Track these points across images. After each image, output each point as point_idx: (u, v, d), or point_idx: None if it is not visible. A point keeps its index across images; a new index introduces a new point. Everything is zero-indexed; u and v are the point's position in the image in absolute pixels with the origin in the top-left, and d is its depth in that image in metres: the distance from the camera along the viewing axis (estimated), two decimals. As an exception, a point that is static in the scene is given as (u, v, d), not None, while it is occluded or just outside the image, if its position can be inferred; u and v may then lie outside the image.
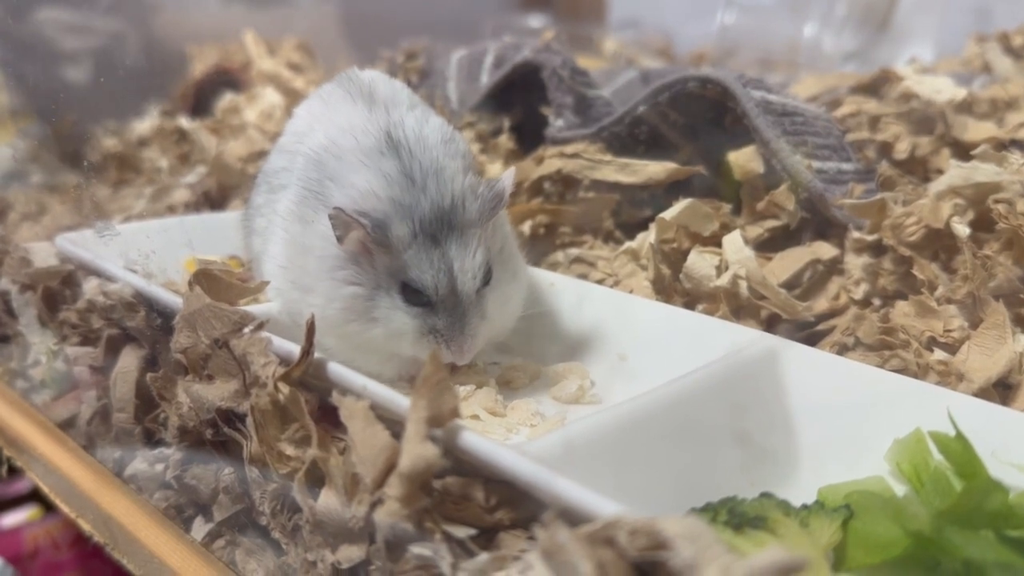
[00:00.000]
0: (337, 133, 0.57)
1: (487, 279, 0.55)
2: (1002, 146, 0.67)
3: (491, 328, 0.56)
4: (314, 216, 0.55)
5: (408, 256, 0.52)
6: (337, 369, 0.44)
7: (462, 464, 0.38)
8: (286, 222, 0.57)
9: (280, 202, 0.59)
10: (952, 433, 0.41)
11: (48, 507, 0.99)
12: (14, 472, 0.71)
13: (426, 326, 0.53)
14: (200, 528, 0.52)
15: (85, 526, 0.59)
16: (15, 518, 1.00)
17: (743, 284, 0.60)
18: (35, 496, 1.02)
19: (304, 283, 0.55)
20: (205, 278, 0.50)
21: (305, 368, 0.44)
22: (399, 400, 0.40)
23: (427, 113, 0.61)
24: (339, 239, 0.52)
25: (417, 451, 0.36)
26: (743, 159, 0.69)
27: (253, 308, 0.53)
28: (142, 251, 0.60)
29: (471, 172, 0.56)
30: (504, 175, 0.56)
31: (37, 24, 1.04)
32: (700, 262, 0.62)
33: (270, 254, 0.59)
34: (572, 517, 0.31)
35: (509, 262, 0.58)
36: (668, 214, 0.65)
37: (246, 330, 0.46)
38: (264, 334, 0.46)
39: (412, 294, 0.53)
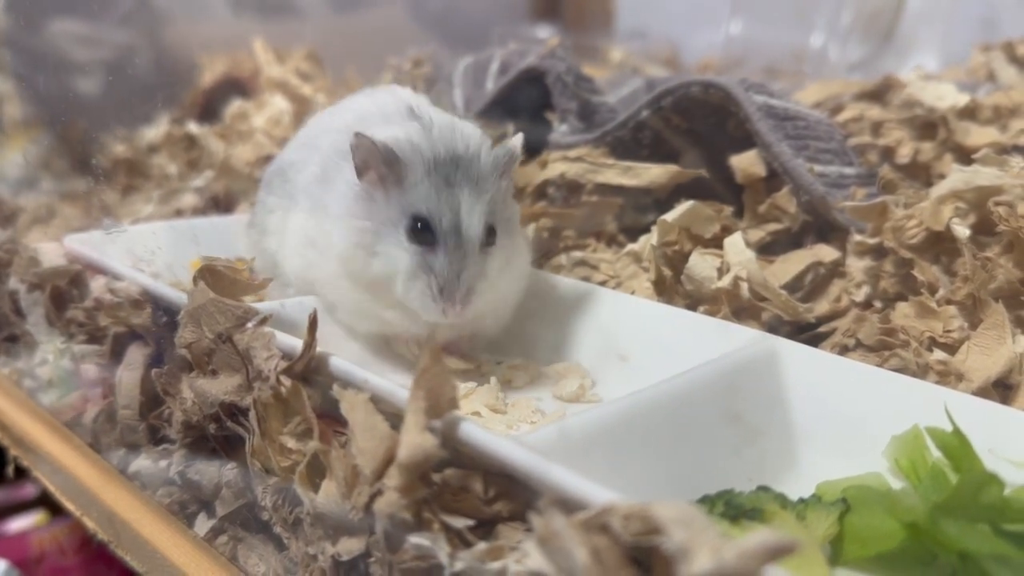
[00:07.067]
0: (365, 111, 0.62)
1: (492, 238, 0.55)
2: (1004, 151, 0.67)
3: (490, 293, 0.55)
4: (337, 171, 0.57)
5: (418, 190, 0.54)
6: (338, 363, 0.44)
7: (461, 456, 0.38)
8: (308, 188, 0.60)
9: (299, 181, 0.62)
10: (949, 430, 0.41)
11: (55, 512, 0.99)
12: (21, 472, 0.71)
13: (425, 264, 0.53)
14: (203, 524, 0.52)
15: (89, 524, 0.59)
16: (22, 523, 1.00)
17: (744, 286, 0.60)
18: (42, 501, 1.02)
19: (319, 241, 0.58)
20: (210, 273, 0.51)
21: (307, 362, 0.44)
22: (399, 393, 0.40)
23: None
24: (357, 170, 0.54)
25: (415, 441, 0.36)
26: (745, 163, 0.69)
27: (257, 304, 0.53)
28: (148, 248, 0.61)
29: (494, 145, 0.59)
30: (513, 138, 0.59)
31: (50, 35, 1.05)
32: (702, 264, 0.62)
33: (290, 225, 0.62)
34: (567, 505, 0.31)
35: (515, 235, 0.59)
36: (670, 216, 0.66)
37: (250, 325, 0.47)
38: (267, 329, 0.47)
39: (417, 233, 0.53)
